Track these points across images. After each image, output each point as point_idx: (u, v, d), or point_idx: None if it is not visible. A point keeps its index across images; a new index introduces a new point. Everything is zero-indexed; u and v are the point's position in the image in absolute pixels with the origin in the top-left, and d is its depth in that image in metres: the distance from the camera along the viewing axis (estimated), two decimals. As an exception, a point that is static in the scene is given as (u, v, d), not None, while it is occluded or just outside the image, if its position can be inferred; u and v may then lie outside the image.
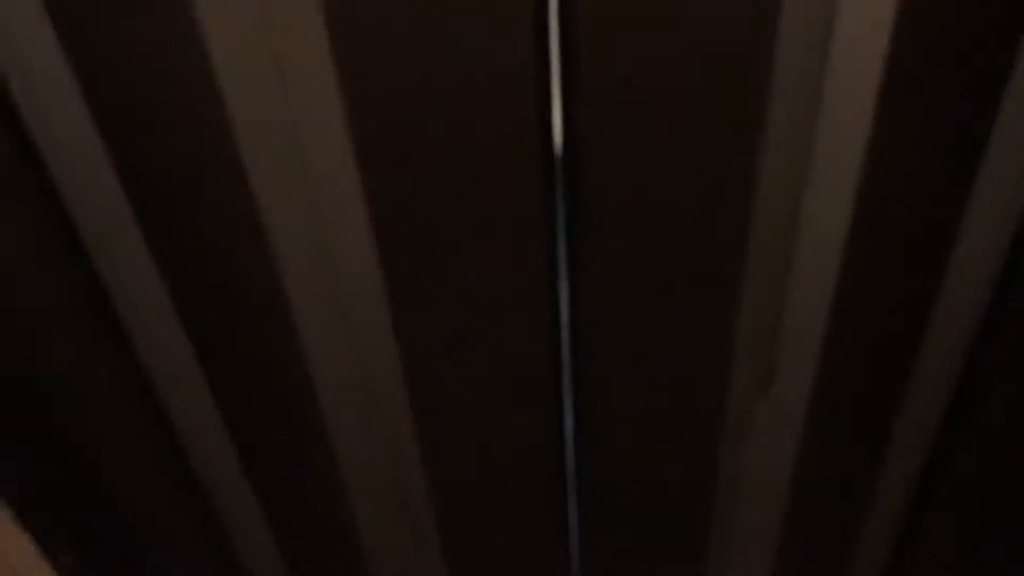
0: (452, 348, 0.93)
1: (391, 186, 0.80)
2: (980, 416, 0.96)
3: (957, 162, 0.80)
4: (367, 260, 0.85)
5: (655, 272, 0.88)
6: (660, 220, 0.84)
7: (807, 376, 0.94)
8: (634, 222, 0.84)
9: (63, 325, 0.80)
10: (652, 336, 0.92)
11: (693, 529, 1.11)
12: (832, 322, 0.90)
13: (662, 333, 0.92)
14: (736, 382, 0.95)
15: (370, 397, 0.96)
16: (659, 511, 1.10)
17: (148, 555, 0.95)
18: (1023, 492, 1.02)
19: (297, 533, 1.09)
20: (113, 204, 0.79)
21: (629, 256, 0.87)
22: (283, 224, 0.82)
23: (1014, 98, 0.76)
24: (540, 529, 1.14)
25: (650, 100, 0.76)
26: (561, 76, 0.76)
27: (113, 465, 0.87)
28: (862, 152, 0.78)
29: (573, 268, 0.88)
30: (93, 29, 0.71)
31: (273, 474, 1.03)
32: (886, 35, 0.72)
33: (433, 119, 0.76)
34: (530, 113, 0.76)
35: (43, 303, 0.77)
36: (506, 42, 0.73)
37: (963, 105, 0.76)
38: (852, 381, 0.95)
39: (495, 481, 1.07)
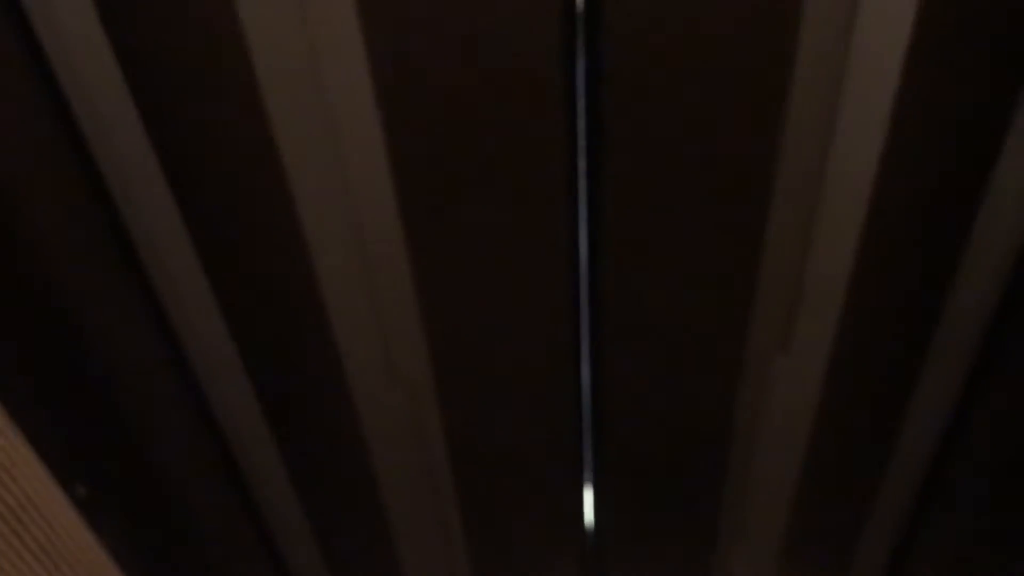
0: (471, 296, 0.93)
1: (411, 122, 0.80)
2: (1000, 385, 0.95)
3: (988, 116, 0.78)
4: (386, 202, 0.85)
5: (677, 219, 0.87)
6: (684, 164, 0.83)
7: (827, 334, 0.93)
8: (656, 167, 0.83)
9: (83, 247, 0.81)
10: (672, 285, 0.91)
11: (707, 483, 1.11)
12: (854, 280, 0.89)
13: (682, 282, 0.91)
14: (755, 335, 0.94)
15: (386, 339, 0.96)
16: (674, 462, 1.09)
17: (164, 491, 0.96)
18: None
19: (312, 469, 1.10)
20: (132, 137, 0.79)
21: (650, 203, 0.86)
22: (305, 168, 0.82)
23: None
24: (556, 480, 1.14)
25: (677, 45, 0.75)
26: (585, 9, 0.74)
27: (130, 396, 0.87)
28: (890, 103, 0.77)
29: (594, 215, 0.87)
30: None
31: (291, 417, 1.03)
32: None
33: (453, 56, 0.75)
34: (554, 47, 0.75)
35: (61, 226, 0.77)
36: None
37: (995, 51, 0.74)
38: (872, 342, 0.94)
39: (512, 432, 1.07)
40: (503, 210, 0.86)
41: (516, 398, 1.02)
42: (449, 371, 0.99)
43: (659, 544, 1.22)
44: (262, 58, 0.74)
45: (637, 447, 1.09)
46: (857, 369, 0.97)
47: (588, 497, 1.17)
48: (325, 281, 0.90)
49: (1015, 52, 0.74)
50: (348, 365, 0.98)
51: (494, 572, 1.26)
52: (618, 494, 1.15)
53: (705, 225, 0.87)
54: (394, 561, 1.23)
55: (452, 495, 1.13)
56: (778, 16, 0.73)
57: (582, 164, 0.85)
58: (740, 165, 0.83)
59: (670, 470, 1.11)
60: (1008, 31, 0.73)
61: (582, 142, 0.83)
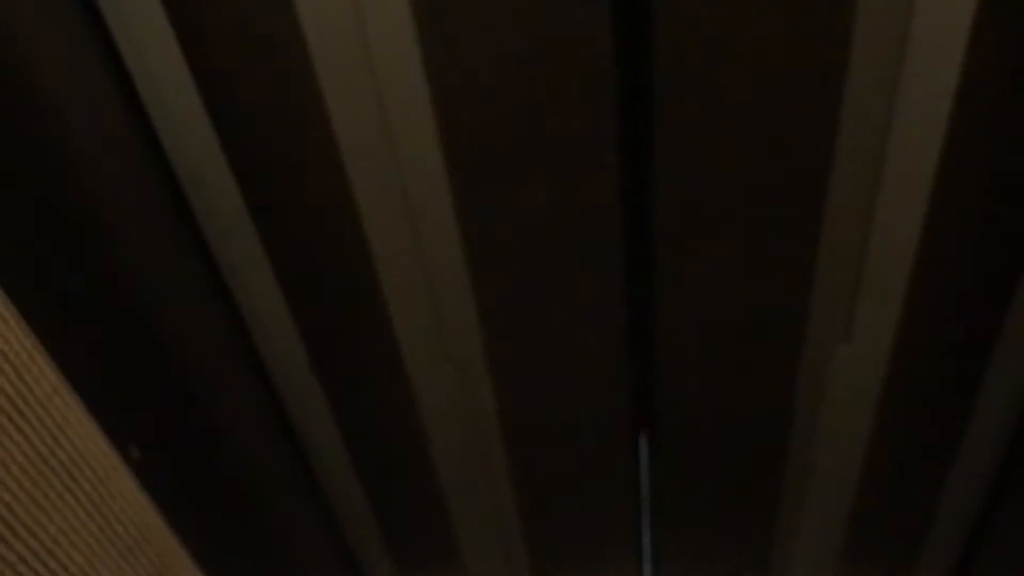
0: (525, 286, 0.93)
1: (464, 104, 0.80)
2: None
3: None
4: (439, 181, 0.85)
5: (734, 205, 0.85)
6: (741, 149, 0.81)
7: (890, 320, 0.90)
8: (713, 152, 0.82)
9: (146, 219, 0.83)
10: (730, 270, 0.90)
11: (767, 475, 1.09)
12: (917, 266, 0.86)
13: (740, 266, 0.89)
14: (816, 322, 0.92)
15: (439, 323, 0.97)
16: (732, 456, 1.08)
17: (219, 458, 0.99)
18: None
19: (366, 441, 1.11)
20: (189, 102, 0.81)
21: (706, 189, 0.84)
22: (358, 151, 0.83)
23: None
24: (610, 471, 1.13)
25: (729, 41, 0.73)
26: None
27: (187, 363, 0.90)
28: (952, 94, 0.74)
29: (648, 197, 0.86)
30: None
31: (342, 376, 1.04)
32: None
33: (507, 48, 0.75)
34: (604, 31, 0.74)
35: (125, 201, 0.80)
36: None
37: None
38: (938, 328, 0.91)
39: (564, 422, 1.07)
40: (555, 189, 0.86)
41: (568, 379, 1.01)
42: (502, 351, 0.99)
43: (715, 537, 1.20)
44: (314, 37, 0.75)
45: (694, 434, 1.07)
46: (922, 357, 0.94)
47: (643, 483, 1.16)
48: (378, 260, 0.91)
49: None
50: (402, 343, 0.99)
51: (549, 555, 1.26)
52: (673, 481, 1.14)
53: (763, 210, 0.85)
54: (449, 540, 1.24)
55: (505, 475, 1.13)
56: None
57: (635, 146, 0.84)
58: (799, 148, 0.81)
59: (727, 462, 1.10)
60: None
61: (636, 123, 0.82)
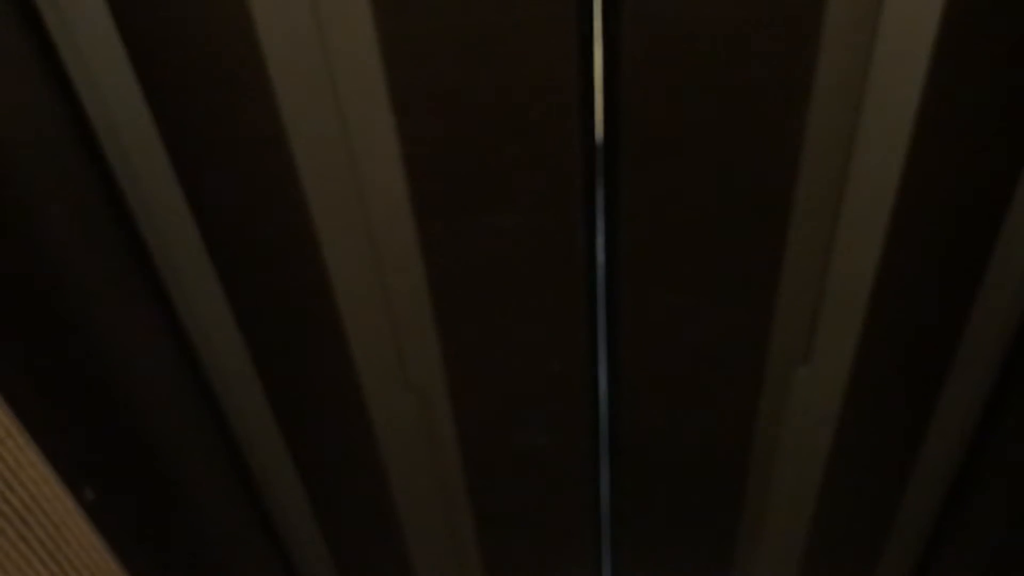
0: (486, 303, 0.92)
1: (426, 128, 0.79)
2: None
3: (1017, 120, 0.76)
4: (401, 207, 0.84)
5: (696, 229, 0.85)
6: (704, 174, 0.81)
7: (849, 343, 0.91)
8: (675, 177, 0.82)
9: (92, 248, 0.80)
10: (690, 293, 0.90)
11: (727, 497, 1.09)
12: (877, 290, 0.87)
13: (701, 290, 0.89)
14: (776, 345, 0.93)
15: (399, 346, 0.95)
16: (693, 476, 1.08)
17: (175, 496, 0.95)
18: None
19: (324, 476, 1.09)
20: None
21: (669, 213, 0.85)
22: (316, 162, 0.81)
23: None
24: (570, 489, 1.13)
25: (696, 53, 0.73)
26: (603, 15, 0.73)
27: (140, 400, 0.87)
28: (913, 112, 0.75)
29: (611, 223, 0.86)
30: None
31: (303, 423, 1.02)
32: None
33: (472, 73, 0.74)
34: (571, 56, 0.74)
35: (70, 227, 0.77)
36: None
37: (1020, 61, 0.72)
38: (895, 352, 0.92)
39: (526, 444, 1.06)
40: (519, 217, 0.85)
41: (530, 406, 1.00)
42: (462, 378, 0.98)
43: (676, 557, 1.20)
44: (275, 60, 0.73)
45: (655, 457, 1.07)
46: (879, 379, 0.95)
47: (604, 507, 1.15)
48: (339, 287, 0.90)
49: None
50: (361, 371, 0.97)
51: (508, 582, 1.24)
52: (634, 505, 1.13)
53: (724, 234, 0.86)
54: (407, 567, 1.22)
55: (465, 502, 1.12)
56: (800, 23, 0.72)
57: (599, 172, 0.83)
58: (760, 175, 0.81)
59: (688, 482, 1.10)
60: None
61: (600, 150, 0.82)
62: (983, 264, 0.86)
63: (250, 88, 0.75)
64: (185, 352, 0.91)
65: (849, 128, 0.77)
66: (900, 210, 0.81)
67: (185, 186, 0.82)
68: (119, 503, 0.81)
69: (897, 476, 1.05)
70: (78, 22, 0.72)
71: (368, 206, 0.83)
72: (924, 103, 0.74)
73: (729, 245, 0.86)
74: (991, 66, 0.73)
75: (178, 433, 0.93)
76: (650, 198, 0.84)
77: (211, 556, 1.04)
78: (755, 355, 0.95)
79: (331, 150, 0.79)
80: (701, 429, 1.02)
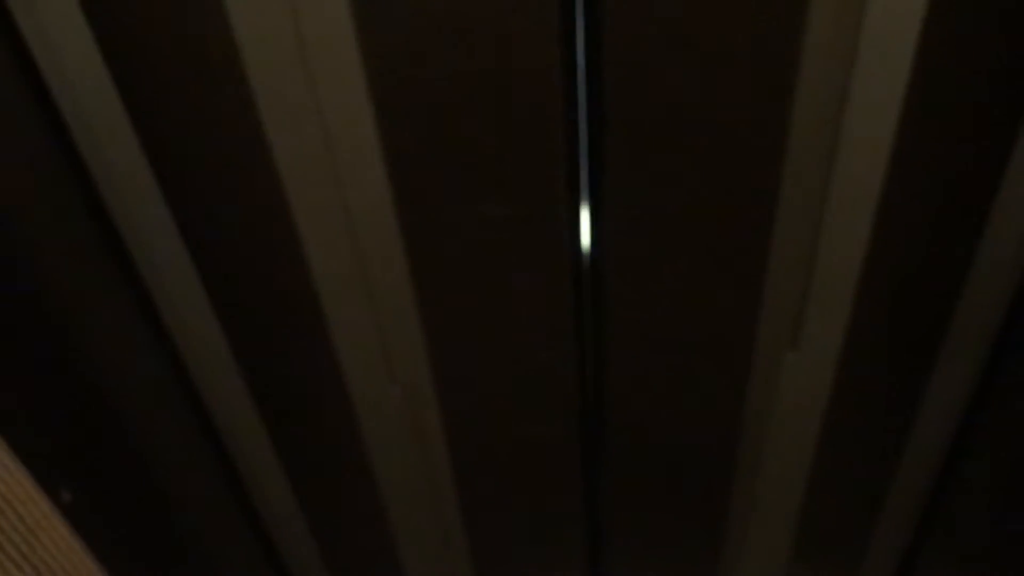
0: (470, 296, 0.91)
1: (407, 120, 0.77)
2: (1013, 381, 0.92)
3: (1003, 111, 0.75)
4: (383, 200, 0.82)
5: (683, 215, 0.84)
6: (690, 159, 0.80)
7: (837, 329, 0.91)
8: (661, 162, 0.81)
9: (71, 251, 0.79)
10: (678, 280, 0.89)
11: (717, 483, 1.09)
12: (864, 276, 0.86)
13: (691, 281, 0.89)
14: (764, 331, 0.92)
15: (383, 339, 0.94)
16: (682, 462, 1.07)
17: (157, 495, 0.94)
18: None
19: (310, 471, 1.08)
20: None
21: (655, 199, 0.83)
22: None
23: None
24: (558, 482, 1.12)
25: (679, 38, 0.72)
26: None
27: (120, 400, 0.85)
28: (901, 99, 0.74)
29: (596, 210, 0.85)
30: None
31: (288, 418, 1.01)
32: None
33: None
34: (554, 44, 0.73)
35: (50, 231, 0.75)
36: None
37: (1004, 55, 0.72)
38: (882, 337, 0.91)
39: (512, 435, 1.05)
40: (502, 207, 0.84)
41: (517, 397, 0.99)
42: (448, 370, 0.97)
43: (664, 547, 1.20)
44: (253, 55, 0.72)
45: (643, 447, 1.06)
46: (867, 364, 0.94)
47: (592, 497, 1.14)
48: (322, 282, 0.88)
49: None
50: (346, 365, 0.95)
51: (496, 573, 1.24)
52: (623, 495, 1.13)
53: (711, 221, 0.85)
54: (394, 563, 1.21)
55: (452, 495, 1.11)
56: (784, 8, 0.71)
57: (584, 160, 0.82)
58: (747, 158, 0.80)
59: (677, 470, 1.09)
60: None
61: (584, 138, 0.81)
62: (970, 251, 0.85)
63: (227, 82, 0.73)
64: (166, 349, 0.90)
65: (835, 118, 0.76)
66: (887, 197, 0.80)
67: (164, 185, 0.80)
68: (99, 505, 0.80)
69: (885, 461, 1.05)
70: None
71: (349, 196, 0.82)
72: (910, 92, 0.74)
73: (715, 232, 0.85)
74: (975, 56, 0.72)
75: (160, 431, 0.91)
76: (635, 186, 0.82)
77: (193, 556, 1.03)
78: (743, 341, 0.94)
79: (311, 140, 0.78)
80: (690, 416, 1.02)
